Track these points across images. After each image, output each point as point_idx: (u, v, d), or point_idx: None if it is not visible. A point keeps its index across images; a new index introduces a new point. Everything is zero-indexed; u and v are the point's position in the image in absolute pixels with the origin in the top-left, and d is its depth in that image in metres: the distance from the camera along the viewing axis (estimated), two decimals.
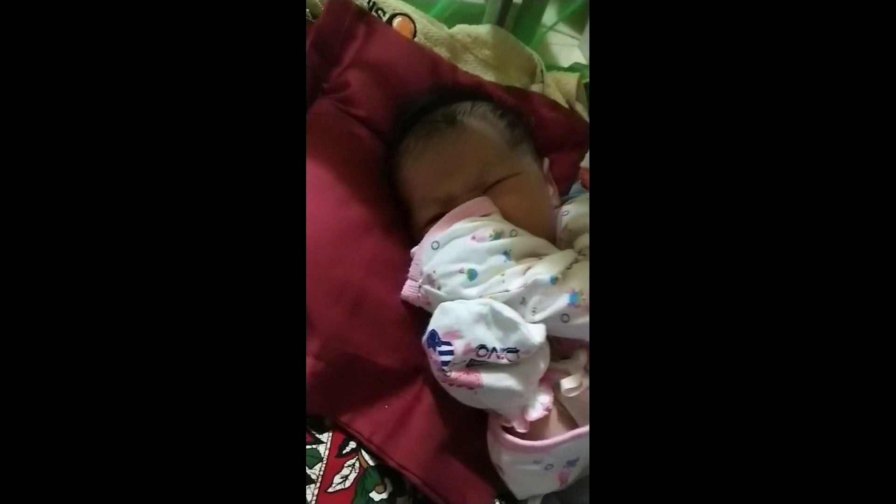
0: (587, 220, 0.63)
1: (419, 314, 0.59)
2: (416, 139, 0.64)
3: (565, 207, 0.65)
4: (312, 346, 0.55)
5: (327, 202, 0.60)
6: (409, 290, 0.59)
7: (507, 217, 0.59)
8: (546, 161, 0.71)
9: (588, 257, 0.59)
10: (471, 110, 0.65)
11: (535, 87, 0.81)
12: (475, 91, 0.73)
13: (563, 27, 1.27)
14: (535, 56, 0.83)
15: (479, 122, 0.64)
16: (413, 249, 0.60)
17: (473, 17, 0.87)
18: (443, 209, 0.60)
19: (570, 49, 1.28)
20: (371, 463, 0.56)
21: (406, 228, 0.66)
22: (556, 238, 0.63)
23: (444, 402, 0.57)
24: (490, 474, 0.58)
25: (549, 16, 1.12)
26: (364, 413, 0.57)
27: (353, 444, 0.56)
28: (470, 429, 0.59)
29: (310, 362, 0.55)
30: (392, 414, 0.57)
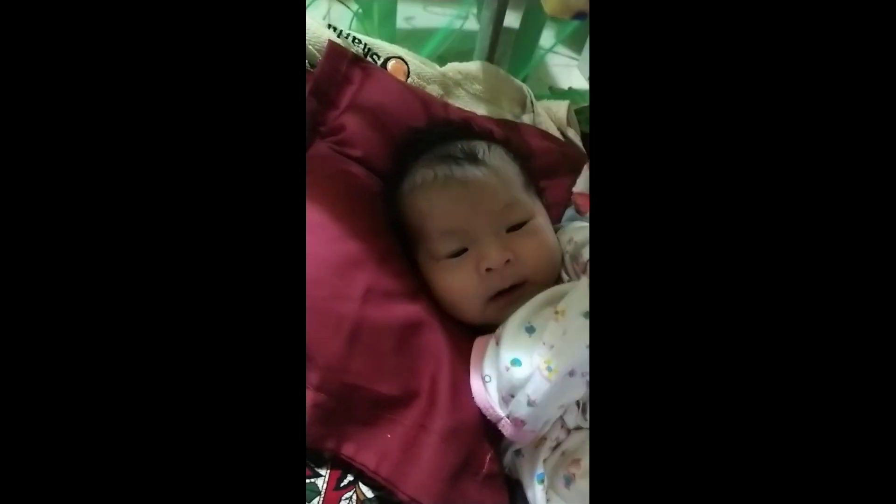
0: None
1: (416, 340, 0.60)
2: (434, 171, 0.65)
3: (567, 236, 0.67)
4: (312, 378, 0.56)
5: (322, 240, 0.62)
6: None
7: (527, 261, 0.62)
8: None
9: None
10: (489, 150, 0.67)
11: (526, 118, 0.83)
12: (469, 125, 0.76)
13: (561, 48, 1.29)
14: (525, 87, 0.86)
15: (500, 162, 0.67)
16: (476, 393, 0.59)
17: (464, 55, 0.90)
18: (462, 244, 0.63)
19: (569, 70, 1.29)
20: (368, 495, 0.56)
21: (403, 257, 0.67)
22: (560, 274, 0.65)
23: (453, 426, 0.57)
24: (507, 490, 0.58)
25: (547, 38, 1.15)
26: (367, 444, 0.57)
27: (350, 477, 0.56)
28: (482, 447, 0.58)
29: (310, 395, 0.56)
30: (397, 443, 0.57)
